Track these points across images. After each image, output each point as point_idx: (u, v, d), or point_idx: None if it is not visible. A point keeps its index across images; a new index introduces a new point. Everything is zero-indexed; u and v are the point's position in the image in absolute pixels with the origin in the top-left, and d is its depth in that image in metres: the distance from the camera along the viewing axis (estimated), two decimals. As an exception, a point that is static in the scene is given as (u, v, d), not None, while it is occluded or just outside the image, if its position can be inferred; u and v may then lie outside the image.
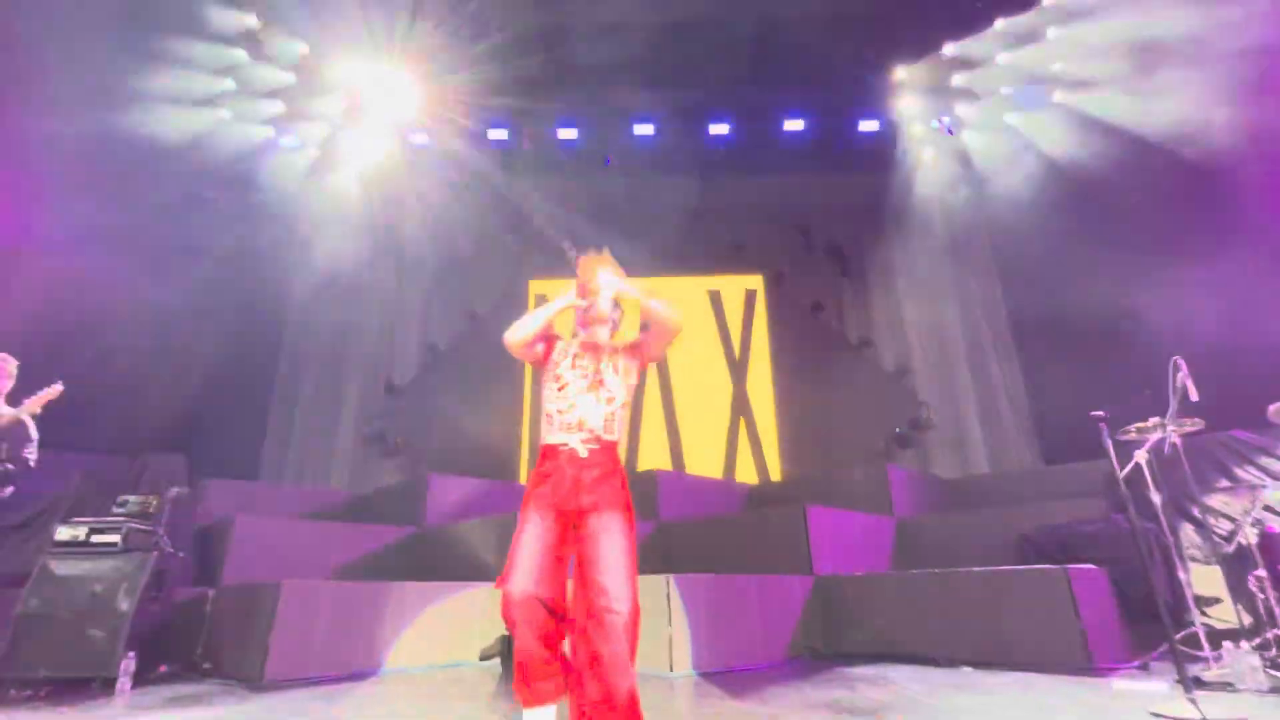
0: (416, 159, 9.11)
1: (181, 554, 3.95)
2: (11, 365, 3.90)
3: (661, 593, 3.47)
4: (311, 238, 9.29)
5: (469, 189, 9.44)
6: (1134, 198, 6.83)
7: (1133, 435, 3.23)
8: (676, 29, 8.12)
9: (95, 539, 3.42)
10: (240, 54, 7.61)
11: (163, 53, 6.89)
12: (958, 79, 8.31)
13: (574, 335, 2.28)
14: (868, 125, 8.78)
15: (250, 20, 7.50)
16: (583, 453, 1.99)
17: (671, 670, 3.32)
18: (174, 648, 3.61)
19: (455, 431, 8.56)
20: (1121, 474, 2.65)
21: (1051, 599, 3.36)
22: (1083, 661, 3.18)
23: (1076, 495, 4.85)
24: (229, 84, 7.65)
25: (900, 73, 8.44)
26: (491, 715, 2.58)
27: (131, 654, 3.19)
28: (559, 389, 2.10)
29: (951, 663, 3.53)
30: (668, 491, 5.61)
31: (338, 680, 3.38)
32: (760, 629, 3.82)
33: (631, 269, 2.27)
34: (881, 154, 9.19)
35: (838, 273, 9.47)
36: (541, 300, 9.29)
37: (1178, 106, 6.40)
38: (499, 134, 8.92)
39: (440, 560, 5.02)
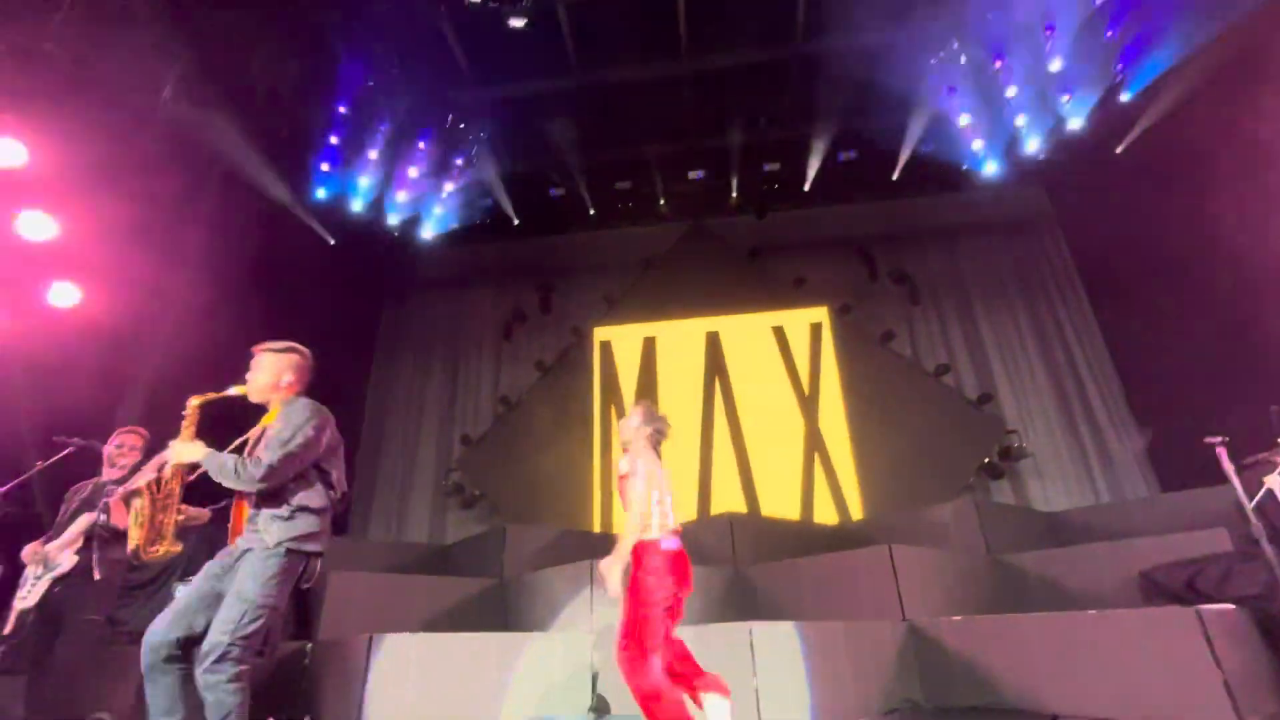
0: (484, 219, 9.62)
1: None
2: (138, 439, 4.08)
3: (743, 642, 3.35)
4: (391, 303, 9.90)
5: (531, 244, 9.89)
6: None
7: (1259, 460, 2.92)
8: (721, 75, 8.25)
9: (208, 596, 3.66)
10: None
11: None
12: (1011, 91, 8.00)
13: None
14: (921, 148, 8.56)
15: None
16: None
17: (760, 725, 3.17)
18: (279, 700, 3.77)
19: (529, 481, 8.71)
20: (1250, 504, 2.40)
21: (1184, 645, 3.01)
22: (1229, 715, 2.81)
23: (1198, 526, 4.37)
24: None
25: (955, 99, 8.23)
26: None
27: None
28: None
29: (1072, 718, 3.21)
30: (743, 536, 5.47)
31: (428, 734, 3.41)
32: (851, 680, 3.62)
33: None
34: (940, 175, 8.96)
35: (907, 300, 9.18)
36: (606, 347, 9.49)
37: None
38: (556, 190, 9.31)
39: (522, 610, 5.07)
